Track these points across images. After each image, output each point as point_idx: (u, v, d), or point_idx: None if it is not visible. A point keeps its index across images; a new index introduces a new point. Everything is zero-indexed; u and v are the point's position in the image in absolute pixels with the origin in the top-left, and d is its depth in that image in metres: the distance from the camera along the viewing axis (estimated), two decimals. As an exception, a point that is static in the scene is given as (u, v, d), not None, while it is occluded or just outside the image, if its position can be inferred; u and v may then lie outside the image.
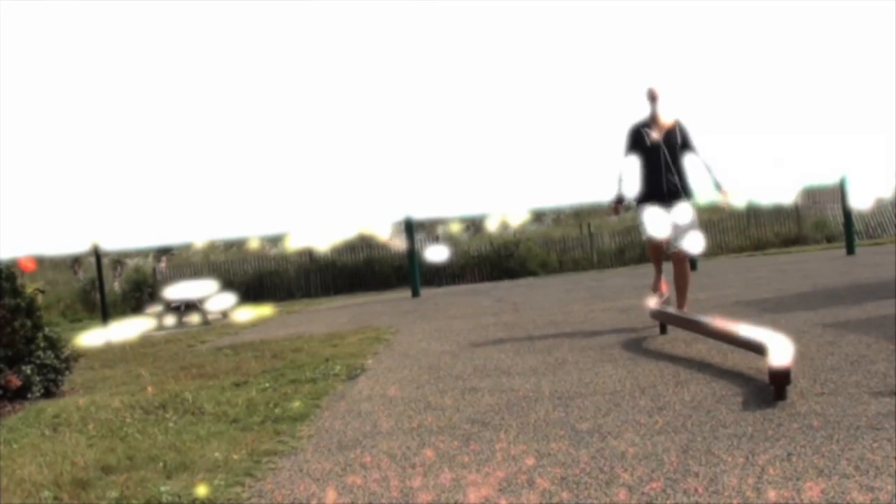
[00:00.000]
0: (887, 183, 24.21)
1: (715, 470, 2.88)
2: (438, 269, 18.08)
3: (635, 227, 19.32)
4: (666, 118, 6.86)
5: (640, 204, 6.93)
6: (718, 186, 6.75)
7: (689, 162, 6.89)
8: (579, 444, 3.34)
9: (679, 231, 6.65)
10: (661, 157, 6.79)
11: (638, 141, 6.88)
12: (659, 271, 7.09)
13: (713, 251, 18.29)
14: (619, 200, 7.08)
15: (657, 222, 6.82)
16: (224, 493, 3.16)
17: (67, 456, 3.87)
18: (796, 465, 2.85)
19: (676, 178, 6.77)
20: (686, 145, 6.86)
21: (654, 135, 6.80)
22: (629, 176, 6.97)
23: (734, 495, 2.63)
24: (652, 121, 6.89)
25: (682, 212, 6.74)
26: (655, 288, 7.10)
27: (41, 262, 22.38)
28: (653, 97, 6.88)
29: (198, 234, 23.87)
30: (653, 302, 6.84)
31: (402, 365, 5.69)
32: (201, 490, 3.19)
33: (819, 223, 19.13)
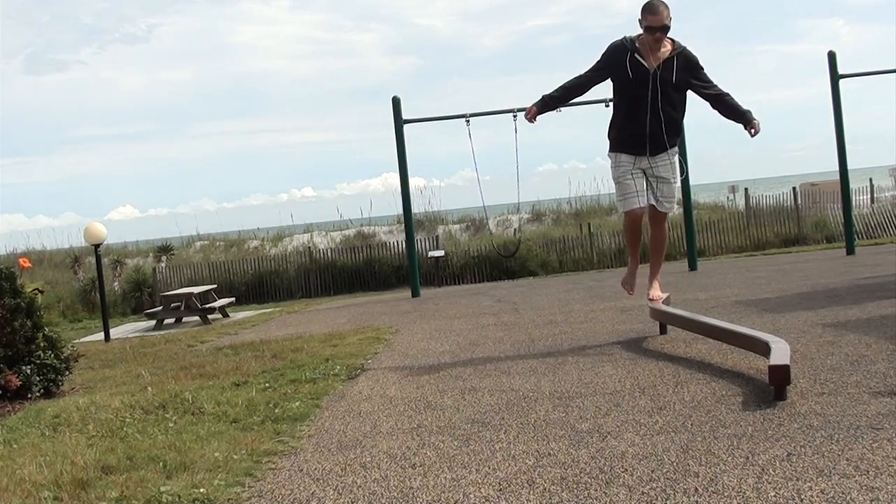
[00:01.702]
0: (887, 183, 24.25)
1: (715, 470, 2.88)
2: (438, 269, 18.07)
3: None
4: (664, 44, 5.31)
5: (613, 152, 5.57)
6: (744, 116, 5.43)
7: (682, 107, 5.50)
8: (579, 444, 3.34)
9: (660, 185, 5.50)
10: (648, 94, 5.27)
11: (619, 65, 5.32)
12: (635, 258, 5.94)
13: (713, 251, 18.29)
14: (545, 105, 5.56)
15: (637, 185, 5.50)
16: (224, 493, 3.17)
17: (67, 456, 3.87)
18: (796, 465, 2.85)
19: (663, 124, 5.35)
20: (686, 83, 5.36)
21: (646, 63, 5.28)
22: (575, 90, 5.57)
23: (734, 495, 2.63)
24: (645, 44, 5.30)
25: (665, 164, 5.49)
26: (628, 282, 6.03)
27: (41, 260, 22.41)
28: (656, 22, 5.14)
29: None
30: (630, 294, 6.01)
31: (402, 365, 5.69)
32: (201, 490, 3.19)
33: (819, 223, 19.12)
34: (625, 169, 5.53)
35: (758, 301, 7.42)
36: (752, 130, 5.46)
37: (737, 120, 5.49)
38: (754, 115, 5.46)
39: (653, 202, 5.55)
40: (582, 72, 5.56)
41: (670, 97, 5.34)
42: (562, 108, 9.96)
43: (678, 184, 5.65)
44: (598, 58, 5.47)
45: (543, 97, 5.61)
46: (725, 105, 5.51)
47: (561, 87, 5.58)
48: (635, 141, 5.43)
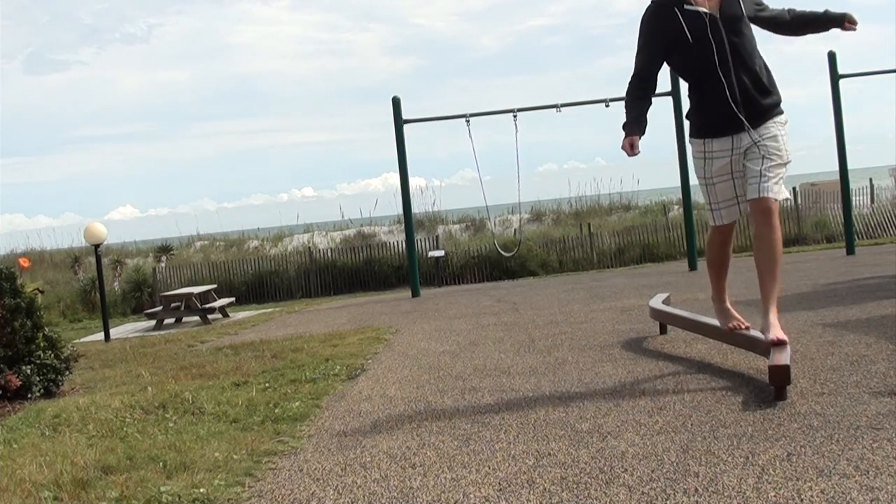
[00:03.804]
0: (887, 182, 24.26)
1: (715, 470, 2.88)
2: (438, 269, 18.07)
3: (635, 228, 19.33)
4: None
5: (699, 138, 4.26)
6: (833, 17, 4.23)
7: (758, 49, 4.17)
8: (579, 444, 3.34)
9: (763, 166, 4.05)
10: (723, 47, 4.03)
11: (670, 25, 4.08)
12: (721, 282, 4.68)
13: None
14: (638, 128, 4.17)
15: (737, 187, 4.22)
16: (224, 493, 3.17)
17: (67, 456, 3.87)
18: (796, 465, 2.85)
19: (753, 79, 4.07)
20: (753, 17, 4.16)
21: (702, 8, 4.06)
22: (651, 81, 4.24)
23: (734, 495, 2.63)
24: None
25: (771, 136, 4.10)
26: (726, 315, 4.64)
27: (41, 260, 22.42)
28: None
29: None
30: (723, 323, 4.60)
31: (402, 365, 5.69)
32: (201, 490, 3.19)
33: (819, 223, 19.12)
34: (720, 165, 4.23)
35: (758, 301, 7.39)
36: (852, 26, 4.21)
37: (824, 27, 4.30)
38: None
39: (754, 195, 4.08)
40: (637, 65, 4.22)
41: (744, 42, 4.10)
42: (561, 109, 10.10)
43: (789, 161, 4.14)
44: (639, 37, 4.22)
45: (630, 117, 4.20)
46: (801, 20, 4.30)
47: (638, 88, 4.22)
48: (727, 115, 4.09)
